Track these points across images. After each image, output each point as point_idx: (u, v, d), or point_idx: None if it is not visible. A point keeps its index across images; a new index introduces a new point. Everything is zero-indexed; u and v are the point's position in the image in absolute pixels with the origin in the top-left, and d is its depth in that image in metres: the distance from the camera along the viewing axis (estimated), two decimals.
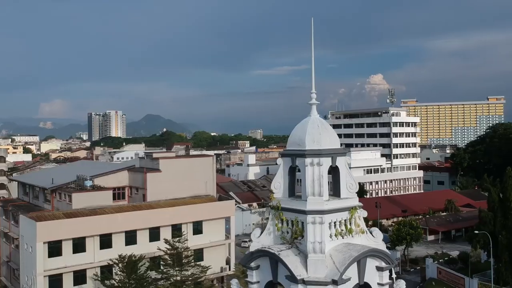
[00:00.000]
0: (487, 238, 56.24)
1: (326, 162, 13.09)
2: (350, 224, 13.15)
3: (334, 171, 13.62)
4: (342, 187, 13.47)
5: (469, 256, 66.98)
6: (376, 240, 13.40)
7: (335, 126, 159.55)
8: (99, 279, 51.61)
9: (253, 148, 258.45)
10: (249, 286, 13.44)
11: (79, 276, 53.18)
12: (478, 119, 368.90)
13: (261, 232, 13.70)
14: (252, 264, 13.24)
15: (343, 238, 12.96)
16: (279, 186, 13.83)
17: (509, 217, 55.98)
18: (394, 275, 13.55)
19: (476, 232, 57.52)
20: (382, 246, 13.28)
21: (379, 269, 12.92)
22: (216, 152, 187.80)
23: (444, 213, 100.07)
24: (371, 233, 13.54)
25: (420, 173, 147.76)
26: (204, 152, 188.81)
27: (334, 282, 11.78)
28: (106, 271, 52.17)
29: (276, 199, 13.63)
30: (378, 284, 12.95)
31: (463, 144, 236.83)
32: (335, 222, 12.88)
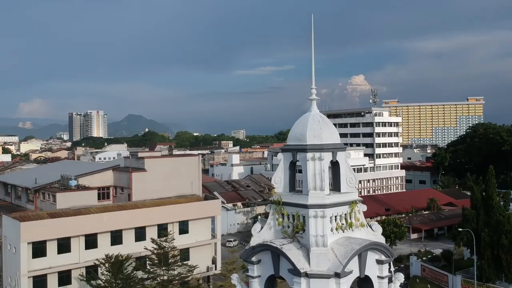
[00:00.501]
0: (470, 236, 57.13)
1: (327, 156, 13.22)
2: (350, 218, 13.30)
3: (334, 166, 13.75)
4: (342, 181, 13.61)
5: (452, 253, 68.03)
6: (375, 234, 13.58)
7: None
8: (85, 279, 51.11)
9: (237, 148, 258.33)
10: (250, 280, 13.49)
11: (64, 277, 52.66)
12: (458, 120, 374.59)
13: (262, 227, 13.77)
14: (253, 259, 13.29)
15: (343, 232, 13.10)
16: (279, 181, 13.91)
17: (492, 215, 56.94)
18: (392, 268, 13.74)
19: (460, 229, 58.39)
20: (382, 240, 13.46)
21: (379, 262, 13.10)
22: (199, 152, 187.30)
23: (427, 212, 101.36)
24: (370, 227, 13.71)
25: (402, 173, 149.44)
26: (188, 152, 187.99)
27: (337, 275, 11.90)
28: (92, 271, 51.68)
29: (277, 194, 13.71)
30: (378, 277, 13.13)
31: (444, 144, 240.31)
32: (335, 216, 13.01)
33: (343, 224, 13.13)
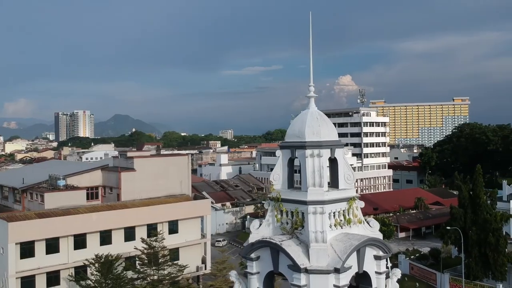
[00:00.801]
0: (458, 234, 57.73)
1: (326, 153, 13.33)
2: (348, 214, 13.42)
3: (332, 163, 13.86)
4: (340, 178, 13.72)
5: (440, 252, 68.70)
6: (373, 230, 13.72)
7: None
8: (74, 279, 50.71)
9: (225, 148, 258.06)
10: (248, 277, 13.54)
11: (53, 277, 52.19)
12: (444, 120, 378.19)
13: (260, 224, 13.83)
14: (253, 255, 13.35)
15: (342, 228, 13.22)
16: (278, 177, 13.98)
17: (479, 213, 57.58)
18: (389, 264, 13.88)
19: (448, 228, 58.97)
20: (379, 236, 13.60)
21: (377, 257, 13.24)
22: (187, 152, 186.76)
23: (414, 211, 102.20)
24: (368, 223, 13.84)
25: (390, 172, 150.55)
26: (176, 152, 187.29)
27: (337, 270, 12.01)
28: (81, 271, 51.28)
29: (275, 191, 13.78)
30: (376, 272, 13.27)
31: (430, 144, 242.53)
32: (334, 213, 13.12)
33: (341, 220, 13.25)
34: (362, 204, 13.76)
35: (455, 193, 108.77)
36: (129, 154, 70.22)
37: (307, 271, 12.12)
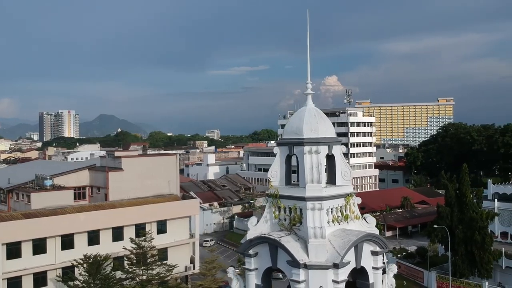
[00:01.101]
0: (445, 232, 58.37)
1: (324, 150, 13.43)
2: (345, 210, 13.54)
3: (329, 160, 13.96)
4: (338, 175, 13.84)
5: (426, 250, 69.39)
6: (369, 225, 13.85)
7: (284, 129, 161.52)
8: (61, 280, 50.23)
9: (212, 147, 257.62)
10: (246, 273, 13.58)
11: (40, 278, 51.72)
12: (429, 120, 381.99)
13: (258, 220, 13.88)
14: (251, 252, 13.39)
15: (339, 224, 13.32)
16: (275, 174, 14.04)
17: (465, 212, 58.27)
18: (386, 260, 14.02)
19: (435, 226, 59.59)
20: (376, 232, 13.73)
21: (374, 253, 13.36)
22: (174, 152, 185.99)
23: (400, 210, 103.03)
24: (364, 219, 13.97)
25: (376, 172, 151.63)
26: (163, 152, 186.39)
27: (335, 265, 12.11)
28: (69, 271, 50.83)
29: (274, 187, 13.84)
30: (373, 268, 13.39)
31: (415, 144, 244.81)
32: (332, 209, 13.22)
33: (338, 216, 13.36)
34: (359, 200, 13.89)
35: (440, 192, 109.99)
36: (116, 154, 69.81)
37: (306, 266, 12.20)
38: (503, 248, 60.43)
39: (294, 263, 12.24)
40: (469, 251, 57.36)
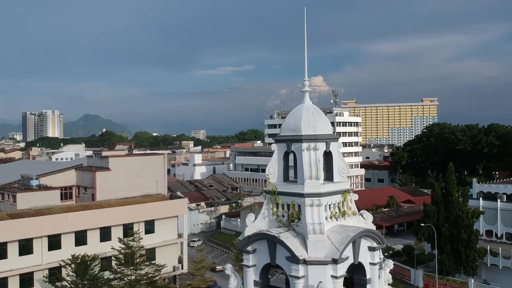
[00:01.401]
0: (431, 231, 58.96)
1: (322, 147, 13.54)
2: (343, 206, 13.65)
3: (326, 156, 14.06)
4: (335, 171, 13.95)
5: (413, 248, 70.04)
6: (366, 221, 13.99)
7: (281, 126, 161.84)
8: (48, 281, 49.71)
9: (199, 147, 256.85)
10: (244, 269, 13.61)
11: (26, 279, 51.12)
12: (413, 120, 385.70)
13: (256, 217, 13.93)
14: (249, 248, 13.44)
15: (337, 220, 13.44)
16: (273, 171, 14.10)
17: (452, 210, 58.94)
18: (382, 256, 14.16)
19: (422, 224, 60.17)
20: (373, 228, 13.87)
21: (371, 249, 13.50)
22: (160, 152, 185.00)
23: (387, 209, 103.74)
24: (361, 215, 14.09)
25: (362, 171, 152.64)
26: (149, 152, 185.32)
27: (334, 261, 12.21)
28: (57, 272, 50.31)
29: (272, 184, 13.89)
30: (370, 263, 13.53)
31: (400, 144, 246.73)
32: (329, 205, 13.33)
33: (336, 212, 13.47)
34: (356, 196, 14.02)
35: (426, 191, 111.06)
36: (104, 153, 69.30)
37: (305, 262, 12.28)
38: (488, 246, 61.23)
39: (294, 259, 12.32)
40: (455, 249, 58.04)
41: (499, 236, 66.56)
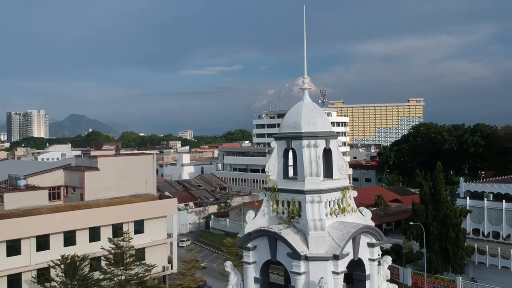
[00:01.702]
0: (420, 229, 59.50)
1: (322, 144, 13.63)
2: (342, 203, 13.76)
3: (326, 153, 14.15)
4: (335, 168, 14.05)
5: (401, 247, 70.55)
6: (365, 218, 14.12)
7: (269, 126, 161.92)
8: (37, 282, 49.22)
9: (187, 147, 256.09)
10: (245, 266, 13.65)
11: (14, 280, 50.50)
12: (399, 120, 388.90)
13: (256, 214, 13.97)
14: (249, 245, 13.48)
15: (336, 216, 13.54)
16: (273, 168, 14.16)
17: (440, 209, 59.54)
18: (380, 252, 14.29)
19: (411, 223, 60.69)
20: (372, 224, 13.99)
21: (370, 245, 13.63)
22: (149, 152, 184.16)
23: (374, 208, 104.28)
24: (360, 212, 14.22)
25: (350, 171, 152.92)
26: (137, 152, 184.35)
27: (335, 257, 12.31)
28: (46, 273, 49.83)
29: (272, 181, 13.95)
30: (369, 259, 13.65)
31: (386, 144, 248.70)
32: (329, 202, 13.43)
33: (336, 209, 13.57)
34: (355, 193, 14.14)
35: (413, 191, 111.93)
36: (92, 153, 68.78)
37: (306, 258, 12.36)
38: (475, 245, 61.92)
39: (295, 255, 12.39)
40: (444, 247, 58.64)
41: (485, 234, 67.34)
